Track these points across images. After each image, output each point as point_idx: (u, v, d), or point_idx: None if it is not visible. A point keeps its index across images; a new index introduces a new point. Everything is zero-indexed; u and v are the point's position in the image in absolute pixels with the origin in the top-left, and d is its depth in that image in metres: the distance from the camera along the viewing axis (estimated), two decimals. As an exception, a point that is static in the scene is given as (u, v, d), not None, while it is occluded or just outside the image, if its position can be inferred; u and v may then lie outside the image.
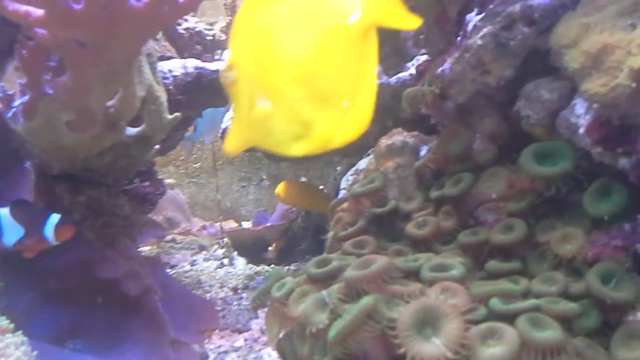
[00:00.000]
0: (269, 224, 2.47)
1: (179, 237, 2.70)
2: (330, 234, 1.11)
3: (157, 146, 1.47)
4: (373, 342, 0.78)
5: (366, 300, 0.79)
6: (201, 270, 2.03)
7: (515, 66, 0.93)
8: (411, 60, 1.59)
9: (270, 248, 2.40)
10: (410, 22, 0.61)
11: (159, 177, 1.63)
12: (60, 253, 1.34)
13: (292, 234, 2.44)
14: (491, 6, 1.00)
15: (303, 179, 2.98)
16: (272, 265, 2.14)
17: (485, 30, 0.92)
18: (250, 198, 3.70)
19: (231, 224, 3.38)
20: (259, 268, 2.10)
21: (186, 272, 2.04)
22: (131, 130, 1.39)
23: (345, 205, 1.13)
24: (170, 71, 1.59)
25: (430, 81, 1.03)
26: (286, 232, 2.43)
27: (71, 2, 1.02)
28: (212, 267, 2.08)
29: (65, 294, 1.36)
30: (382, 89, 1.61)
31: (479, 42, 0.93)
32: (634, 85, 0.75)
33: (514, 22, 0.90)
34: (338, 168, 2.44)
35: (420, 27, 1.52)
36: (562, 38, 0.85)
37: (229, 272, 2.00)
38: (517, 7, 0.90)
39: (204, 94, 1.67)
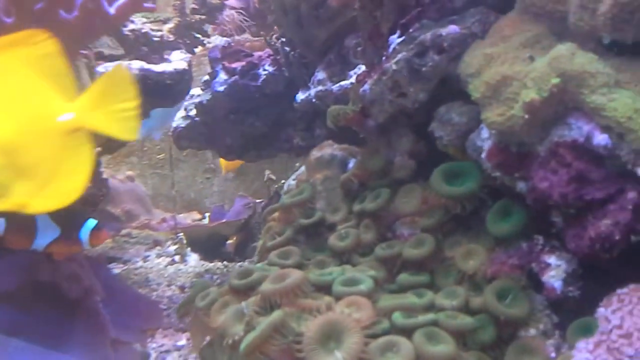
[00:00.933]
0: (224, 220, 2.50)
1: (135, 232, 2.71)
2: (260, 242, 1.15)
3: (98, 148, 1.49)
4: (281, 355, 0.83)
5: (275, 315, 0.83)
6: (151, 268, 2.05)
7: (429, 90, 0.98)
8: (354, 69, 1.63)
9: (230, 241, 2.43)
10: (127, 133, 0.82)
11: (105, 176, 1.65)
12: (1, 255, 1.36)
13: (248, 230, 2.47)
14: (411, 30, 1.04)
15: (267, 172, 3.00)
16: (225, 262, 2.17)
17: (400, 55, 0.97)
18: (214, 190, 3.72)
19: (194, 216, 3.40)
20: (210, 265, 2.14)
21: (136, 268, 2.07)
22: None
23: (276, 214, 1.17)
24: (115, 73, 1.60)
25: (353, 100, 1.08)
26: (244, 227, 2.46)
27: (3, 15, 1.04)
28: (162, 264, 2.11)
29: (5, 296, 1.38)
30: (326, 96, 1.65)
31: (394, 67, 0.97)
32: (526, 116, 0.80)
33: (426, 49, 0.95)
34: (297, 164, 2.48)
35: (359, 39, 1.56)
36: (468, 67, 0.90)
37: (179, 270, 2.03)
38: (428, 36, 0.94)
39: (149, 94, 1.69)
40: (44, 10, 1.02)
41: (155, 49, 1.75)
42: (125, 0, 1.08)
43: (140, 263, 2.19)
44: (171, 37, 1.81)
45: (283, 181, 2.57)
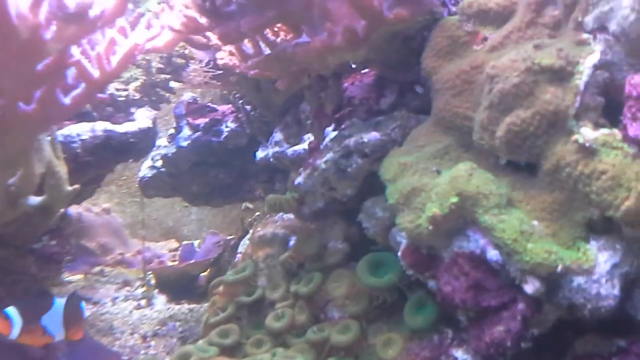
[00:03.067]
0: (193, 261, 2.57)
1: (107, 269, 2.77)
2: (205, 317, 1.22)
3: (61, 210, 1.56)
4: None
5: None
6: (117, 313, 2.11)
7: (355, 186, 1.06)
8: (309, 132, 1.71)
9: (204, 274, 2.49)
10: None
11: (67, 235, 1.71)
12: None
13: (218, 268, 2.54)
14: (343, 126, 1.13)
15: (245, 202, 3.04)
16: (191, 307, 2.24)
17: (329, 155, 1.05)
18: (192, 218, 3.78)
19: (171, 244, 3.45)
20: (176, 309, 2.20)
21: (103, 314, 2.12)
22: (33, 200, 1.47)
23: (220, 288, 1.25)
24: (78, 135, 1.67)
25: (290, 189, 1.16)
26: (214, 263, 2.52)
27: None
28: (128, 309, 2.17)
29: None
30: (282, 157, 1.73)
31: (324, 165, 1.05)
32: (430, 227, 0.88)
33: (350, 153, 1.03)
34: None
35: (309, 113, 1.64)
36: (386, 172, 0.98)
37: (144, 316, 2.09)
38: (352, 142, 1.03)
39: (113, 152, 1.76)
40: (3, 106, 1.09)
41: (120, 108, 1.82)
42: (80, 91, 1.15)
43: (108, 305, 2.25)
44: (137, 96, 1.88)
45: (258, 213, 2.64)
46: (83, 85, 1.16)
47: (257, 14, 1.05)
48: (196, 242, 3.18)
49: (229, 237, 2.71)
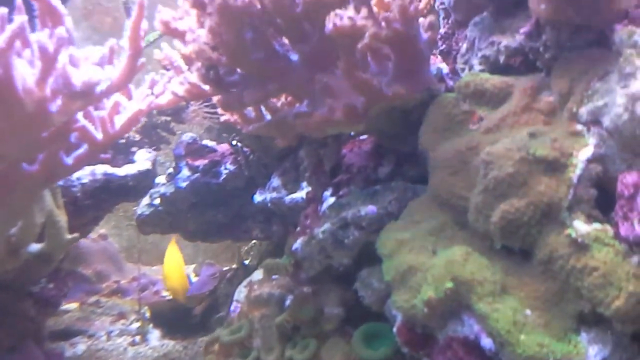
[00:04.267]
0: (188, 294, 2.57)
1: (103, 299, 2.77)
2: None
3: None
4: None
5: None
6: (112, 350, 2.12)
7: (352, 256, 1.07)
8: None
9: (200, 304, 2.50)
10: None
11: (64, 277, 1.72)
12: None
13: (213, 300, 2.55)
14: (341, 192, 1.15)
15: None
16: (184, 344, 2.24)
17: (326, 225, 1.07)
18: (188, 242, 3.77)
19: (167, 269, 3.44)
20: (170, 346, 2.20)
21: (98, 350, 2.13)
22: (33, 248, 1.48)
23: (215, 347, 1.26)
24: (78, 179, 1.69)
25: (287, 254, 1.17)
26: (210, 295, 2.53)
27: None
28: (123, 345, 2.17)
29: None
30: (279, 203, 1.75)
31: (321, 235, 1.07)
32: (426, 310, 0.90)
33: (348, 225, 1.05)
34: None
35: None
36: (383, 247, 1.00)
37: (139, 353, 2.10)
38: (349, 214, 1.04)
39: (112, 195, 1.78)
40: (6, 168, 1.11)
41: (120, 150, 1.84)
42: (83, 152, 1.16)
43: (103, 340, 2.25)
44: (137, 137, 1.90)
45: (254, 241, 2.65)
46: (86, 146, 1.18)
47: (259, 87, 1.07)
48: (191, 267, 3.19)
49: (225, 269, 2.72)
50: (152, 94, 1.23)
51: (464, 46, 1.18)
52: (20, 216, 1.33)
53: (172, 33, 1.09)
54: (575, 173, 0.84)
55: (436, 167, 1.00)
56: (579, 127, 0.87)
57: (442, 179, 0.98)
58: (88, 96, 0.95)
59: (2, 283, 1.56)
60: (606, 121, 0.83)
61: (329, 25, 0.95)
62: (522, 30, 0.98)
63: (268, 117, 1.19)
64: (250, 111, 1.22)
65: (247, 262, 2.50)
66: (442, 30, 1.55)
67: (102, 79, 0.94)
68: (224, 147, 2.05)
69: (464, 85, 1.02)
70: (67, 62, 0.90)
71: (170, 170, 2.06)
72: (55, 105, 0.98)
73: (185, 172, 1.98)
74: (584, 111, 0.87)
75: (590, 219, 0.83)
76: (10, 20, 0.91)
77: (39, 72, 0.93)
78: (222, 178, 1.95)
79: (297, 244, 1.13)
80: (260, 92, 1.07)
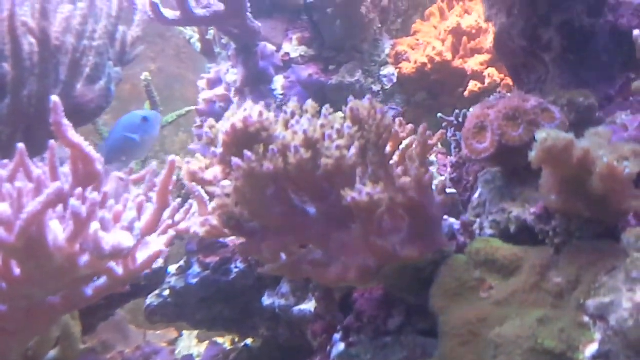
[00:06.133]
0: (190, 377, 2.57)
1: (105, 376, 2.77)
2: None
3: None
4: None
5: None
6: None
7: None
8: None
9: None
10: None
11: None
12: None
13: (215, 381, 2.55)
14: (351, 339, 1.18)
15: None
16: None
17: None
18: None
19: (170, 335, 3.46)
20: None
21: None
22: (48, 356, 1.51)
23: None
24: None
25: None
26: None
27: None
28: None
29: None
30: (288, 312, 1.78)
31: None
32: None
33: (358, 384, 1.07)
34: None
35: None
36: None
37: None
38: (360, 374, 1.07)
39: (125, 295, 1.81)
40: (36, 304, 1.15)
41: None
42: (102, 284, 1.21)
43: None
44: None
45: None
46: (106, 278, 1.22)
47: (276, 238, 1.12)
48: (194, 334, 3.21)
49: (228, 348, 2.73)
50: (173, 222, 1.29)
51: (475, 198, 1.22)
52: (39, 335, 1.36)
53: (199, 183, 1.14)
54: (581, 368, 0.87)
55: (446, 333, 1.03)
56: (586, 318, 0.91)
57: (452, 348, 1.01)
58: (116, 257, 1.00)
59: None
60: (612, 320, 0.86)
61: (347, 199, 1.00)
62: (532, 210, 1.02)
63: (283, 257, 1.23)
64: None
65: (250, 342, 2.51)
66: (453, 159, 1.61)
67: (130, 245, 0.99)
68: (235, 242, 2.09)
69: (474, 252, 1.06)
70: (99, 229, 0.95)
71: (182, 263, 2.10)
72: (84, 260, 1.02)
73: (196, 268, 2.01)
74: (590, 304, 0.90)
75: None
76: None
77: (71, 233, 0.98)
78: (232, 277, 1.98)
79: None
80: (277, 245, 1.11)
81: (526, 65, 1.43)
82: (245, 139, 1.06)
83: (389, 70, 2.46)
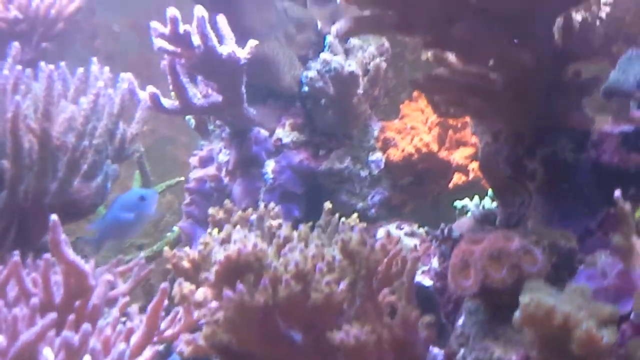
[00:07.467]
0: None
1: None
2: None
3: None
4: None
5: None
6: None
7: None
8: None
9: None
10: None
11: None
12: None
13: None
14: None
15: None
16: None
17: None
18: None
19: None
20: None
21: None
22: None
23: None
24: None
25: None
26: None
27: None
28: None
29: None
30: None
31: None
32: None
33: None
34: None
35: None
36: None
37: None
38: None
39: None
40: None
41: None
42: None
43: None
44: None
45: None
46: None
47: None
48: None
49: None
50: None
51: (459, 325, 1.25)
52: None
53: (190, 304, 1.17)
54: None
55: None
56: None
57: None
58: None
59: None
60: None
61: (336, 339, 1.03)
62: (514, 358, 1.05)
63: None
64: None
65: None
66: (438, 268, 1.65)
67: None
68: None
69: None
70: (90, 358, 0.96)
71: None
72: None
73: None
74: None
75: None
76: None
77: (61, 362, 0.99)
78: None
79: None
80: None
81: (510, 188, 1.49)
82: (239, 269, 1.09)
83: (377, 155, 2.52)
